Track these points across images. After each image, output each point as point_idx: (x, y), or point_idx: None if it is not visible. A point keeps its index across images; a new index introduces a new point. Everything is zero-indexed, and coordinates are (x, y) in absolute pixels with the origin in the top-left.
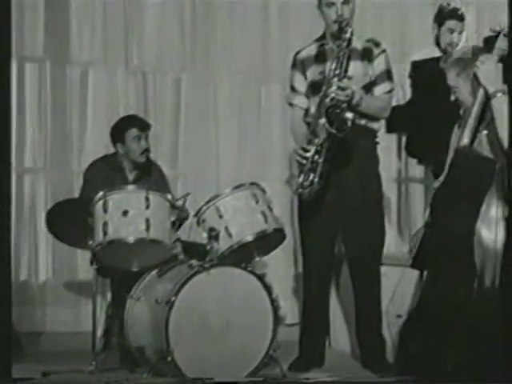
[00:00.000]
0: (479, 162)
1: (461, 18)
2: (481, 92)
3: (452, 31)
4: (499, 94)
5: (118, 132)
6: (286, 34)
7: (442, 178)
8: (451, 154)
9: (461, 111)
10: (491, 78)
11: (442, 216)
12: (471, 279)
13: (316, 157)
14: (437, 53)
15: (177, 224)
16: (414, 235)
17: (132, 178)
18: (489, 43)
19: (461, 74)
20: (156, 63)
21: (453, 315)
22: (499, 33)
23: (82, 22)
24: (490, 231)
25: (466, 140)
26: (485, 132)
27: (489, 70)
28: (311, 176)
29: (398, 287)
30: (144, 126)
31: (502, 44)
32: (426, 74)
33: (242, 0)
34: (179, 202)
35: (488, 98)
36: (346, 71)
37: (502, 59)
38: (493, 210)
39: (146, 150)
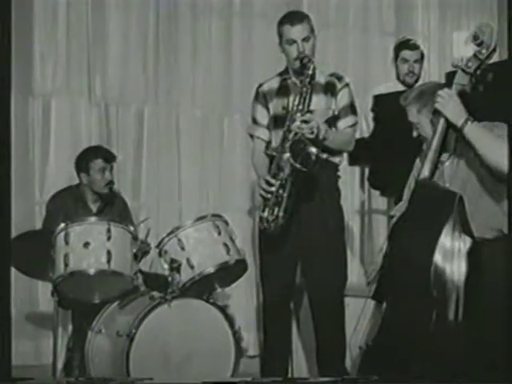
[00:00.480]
0: (438, 194)
1: (413, 47)
2: (441, 124)
3: (406, 60)
4: (469, 123)
5: (83, 162)
6: (248, 66)
7: (400, 208)
8: (411, 186)
9: (423, 145)
10: (455, 110)
11: (400, 247)
12: (429, 311)
13: (281, 191)
14: (399, 87)
15: (139, 256)
16: (371, 266)
17: (95, 209)
18: (449, 78)
19: (422, 111)
20: (119, 95)
21: (409, 347)
22: (460, 68)
23: (45, 53)
24: (448, 262)
25: (426, 173)
26: (447, 164)
27: (450, 103)
28: (276, 210)
29: (361, 319)
30: (109, 158)
31: (460, 79)
32: (388, 108)
33: (205, 33)
34: (141, 236)
35: (456, 130)
36: (308, 106)
37: (461, 94)
38: (452, 242)
39: (110, 182)
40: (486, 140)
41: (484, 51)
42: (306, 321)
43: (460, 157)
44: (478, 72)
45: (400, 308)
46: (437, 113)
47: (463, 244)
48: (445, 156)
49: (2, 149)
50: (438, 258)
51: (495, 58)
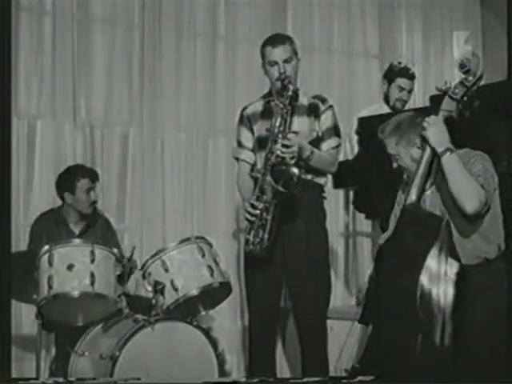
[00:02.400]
0: (425, 219)
1: (411, 77)
2: (427, 151)
3: (402, 89)
4: (447, 153)
5: (68, 181)
6: (232, 89)
7: (386, 234)
8: (397, 214)
9: (404, 176)
10: (438, 137)
11: (386, 271)
12: (415, 335)
13: (264, 214)
14: (384, 109)
15: (126, 274)
16: (359, 290)
17: (78, 230)
18: (433, 101)
19: (400, 142)
20: (103, 118)
21: (394, 371)
22: (445, 92)
23: (30, 75)
24: (434, 286)
25: (413, 197)
26: (428, 192)
27: (434, 129)
28: (261, 233)
29: (348, 341)
30: (94, 177)
31: (447, 105)
32: (372, 131)
33: (189, 56)
34: (126, 254)
35: (438, 156)
36: (289, 128)
37: (447, 120)
38: (438, 265)
39: (94, 202)
40: (458, 174)
41: (471, 78)
42: (291, 342)
43: (439, 186)
44: (465, 99)
45: (385, 331)
46: (424, 139)
47: (450, 268)
48: (430, 182)
49: None
50: (424, 281)
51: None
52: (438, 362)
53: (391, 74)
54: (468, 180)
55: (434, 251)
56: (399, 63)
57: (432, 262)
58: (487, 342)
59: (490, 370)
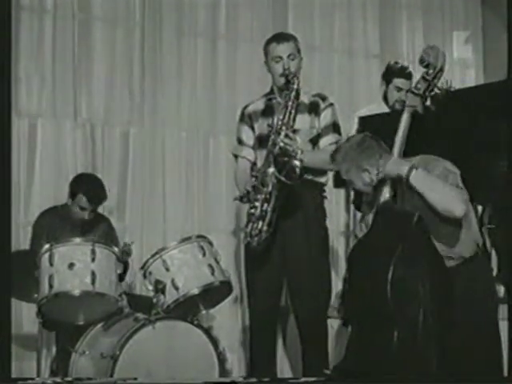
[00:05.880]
0: (397, 216)
1: (409, 77)
2: (396, 153)
3: (399, 89)
4: (413, 172)
5: (72, 186)
6: (232, 88)
7: (361, 234)
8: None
9: (364, 196)
10: (394, 165)
11: (359, 272)
12: (390, 333)
13: (265, 205)
14: (385, 108)
15: (121, 257)
16: (339, 293)
17: (81, 229)
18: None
19: (350, 169)
20: (104, 116)
21: (373, 370)
22: (445, 91)
23: (31, 74)
24: (408, 282)
25: (387, 195)
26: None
27: (388, 163)
28: (260, 224)
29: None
30: (95, 200)
31: (411, 101)
32: (373, 130)
33: (190, 54)
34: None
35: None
36: (294, 121)
37: (413, 116)
38: (411, 262)
39: (84, 219)
40: (434, 185)
41: (431, 71)
42: (292, 340)
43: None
44: (428, 93)
45: (362, 330)
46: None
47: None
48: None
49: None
50: (396, 278)
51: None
52: (416, 360)
53: (388, 75)
54: (444, 186)
55: (405, 247)
56: (396, 63)
57: (403, 251)
58: (467, 340)
59: (470, 369)
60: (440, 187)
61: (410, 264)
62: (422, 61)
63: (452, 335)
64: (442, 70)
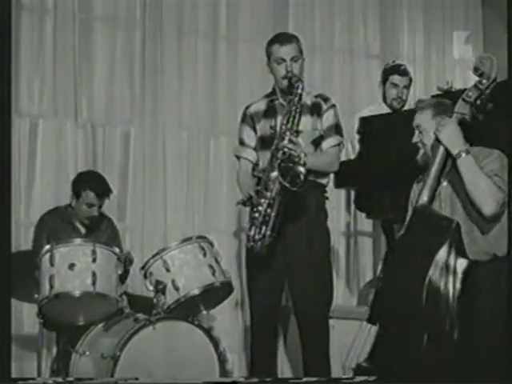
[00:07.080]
0: (435, 220)
1: (403, 73)
2: (440, 152)
3: (395, 85)
4: (463, 155)
5: (76, 185)
6: (233, 88)
7: (400, 233)
8: (410, 211)
9: (420, 151)
10: (452, 139)
11: (394, 272)
12: (420, 335)
13: (268, 210)
14: (385, 109)
15: (123, 266)
16: (364, 290)
17: (83, 230)
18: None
19: (435, 118)
20: (105, 116)
21: (399, 370)
22: (446, 92)
23: (32, 74)
24: (442, 285)
25: (424, 198)
26: (444, 184)
27: (449, 131)
28: (263, 229)
29: (356, 340)
30: (102, 194)
31: (460, 108)
32: (374, 130)
33: (191, 55)
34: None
35: (452, 158)
36: (297, 125)
37: (460, 123)
38: (445, 266)
39: (93, 216)
40: (475, 176)
41: (485, 81)
42: (293, 341)
43: (452, 185)
44: (478, 102)
45: (392, 331)
46: (437, 141)
47: (458, 267)
48: (443, 179)
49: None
50: (431, 281)
51: None
52: (445, 362)
53: (385, 74)
54: (485, 181)
55: (442, 252)
56: (392, 62)
57: (439, 263)
58: (493, 340)
59: (496, 369)
60: (480, 181)
61: (446, 269)
62: (476, 69)
63: (476, 336)
64: (495, 80)
